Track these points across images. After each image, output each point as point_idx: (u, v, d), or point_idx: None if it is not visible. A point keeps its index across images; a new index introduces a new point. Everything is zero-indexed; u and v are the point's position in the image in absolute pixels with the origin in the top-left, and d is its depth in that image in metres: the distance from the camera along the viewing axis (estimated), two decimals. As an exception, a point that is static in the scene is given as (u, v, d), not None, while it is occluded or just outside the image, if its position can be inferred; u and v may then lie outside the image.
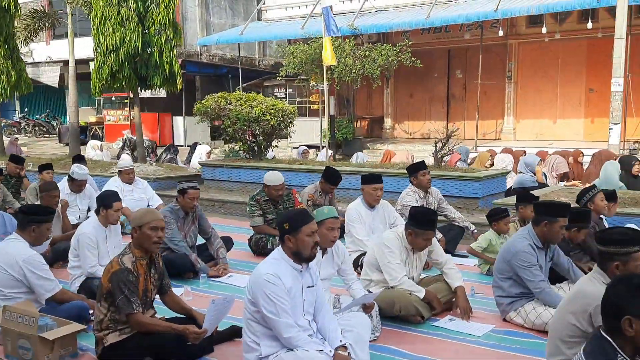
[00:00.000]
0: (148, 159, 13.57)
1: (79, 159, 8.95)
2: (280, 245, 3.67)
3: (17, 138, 18.92)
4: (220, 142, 21.28)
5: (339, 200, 8.56)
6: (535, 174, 8.53)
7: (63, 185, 7.76)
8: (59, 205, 6.61)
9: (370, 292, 4.56)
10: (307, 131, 17.69)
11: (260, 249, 6.74)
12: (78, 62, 25.97)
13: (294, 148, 16.60)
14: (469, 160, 10.84)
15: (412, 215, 4.60)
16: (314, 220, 3.67)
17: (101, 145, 14.49)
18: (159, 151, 16.15)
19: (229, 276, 5.98)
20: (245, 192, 9.56)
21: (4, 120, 25.74)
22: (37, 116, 27.47)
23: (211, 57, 24.08)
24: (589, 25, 14.71)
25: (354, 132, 18.31)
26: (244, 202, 9.08)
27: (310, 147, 17.81)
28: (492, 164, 10.30)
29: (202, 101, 9.99)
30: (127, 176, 8.19)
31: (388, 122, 20.68)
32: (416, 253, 4.75)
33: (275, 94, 20.43)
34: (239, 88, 20.62)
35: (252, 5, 27.23)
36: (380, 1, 18.90)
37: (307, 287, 3.66)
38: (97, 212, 5.50)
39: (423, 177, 6.61)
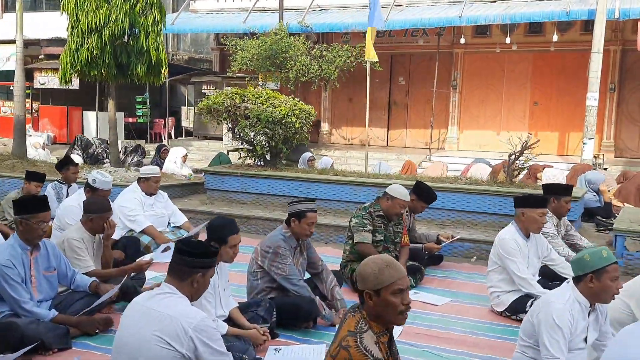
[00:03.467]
0: (107, 160, 11.34)
1: (66, 163, 6.87)
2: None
3: None
4: (140, 141, 19.09)
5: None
6: (598, 193, 7.76)
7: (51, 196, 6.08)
8: (105, 231, 4.83)
9: None
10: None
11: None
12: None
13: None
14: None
15: None
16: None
17: (44, 143, 12.00)
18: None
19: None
20: (262, 206, 8.02)
21: None
22: None
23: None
24: (554, 37, 14.74)
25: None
26: (271, 219, 7.65)
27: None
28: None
29: (211, 96, 8.31)
30: (154, 185, 6.41)
31: (325, 126, 19.71)
32: None
33: (204, 91, 18.62)
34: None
35: (166, -5, 25.07)
36: (326, 0, 17.98)
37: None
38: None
39: (566, 204, 5.47)
